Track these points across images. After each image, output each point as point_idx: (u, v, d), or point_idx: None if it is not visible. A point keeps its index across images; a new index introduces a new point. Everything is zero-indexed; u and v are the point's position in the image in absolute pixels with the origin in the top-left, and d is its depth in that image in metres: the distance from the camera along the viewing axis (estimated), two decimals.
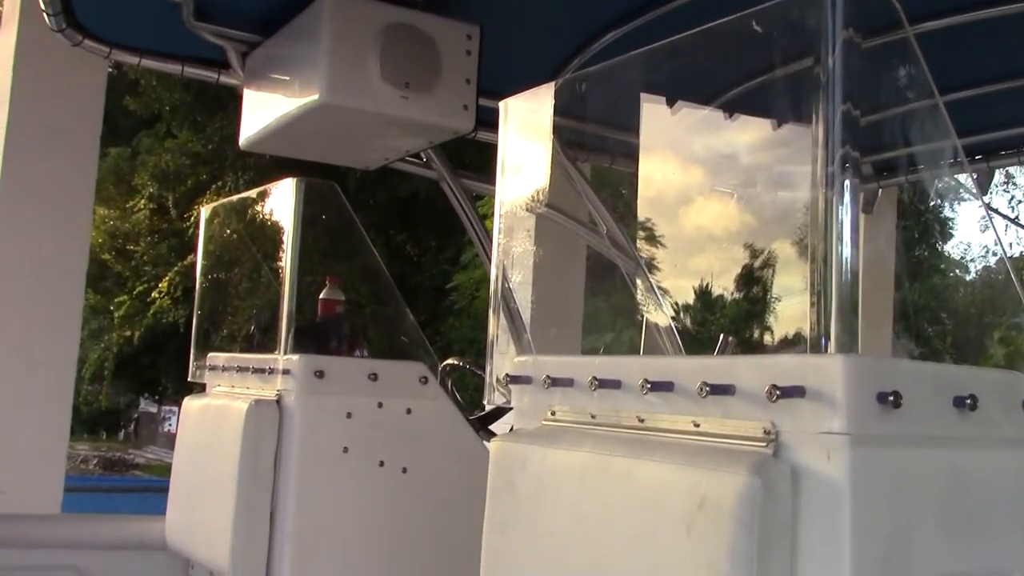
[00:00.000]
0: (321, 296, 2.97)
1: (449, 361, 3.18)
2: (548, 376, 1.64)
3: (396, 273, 14.44)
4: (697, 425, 1.40)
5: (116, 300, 18.18)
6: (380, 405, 2.64)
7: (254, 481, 2.55)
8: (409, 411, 2.67)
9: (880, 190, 4.02)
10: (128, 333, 17.90)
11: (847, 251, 1.29)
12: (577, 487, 1.48)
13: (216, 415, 2.74)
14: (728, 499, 1.24)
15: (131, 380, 19.98)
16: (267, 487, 2.56)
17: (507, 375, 1.74)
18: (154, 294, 16.67)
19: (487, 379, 1.77)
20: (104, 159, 18.96)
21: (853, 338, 1.27)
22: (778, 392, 1.26)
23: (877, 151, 3.77)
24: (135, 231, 18.22)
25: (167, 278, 16.48)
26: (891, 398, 1.22)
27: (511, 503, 1.61)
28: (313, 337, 2.86)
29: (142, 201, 18.02)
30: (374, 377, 2.64)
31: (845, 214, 1.29)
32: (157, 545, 2.94)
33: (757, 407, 1.31)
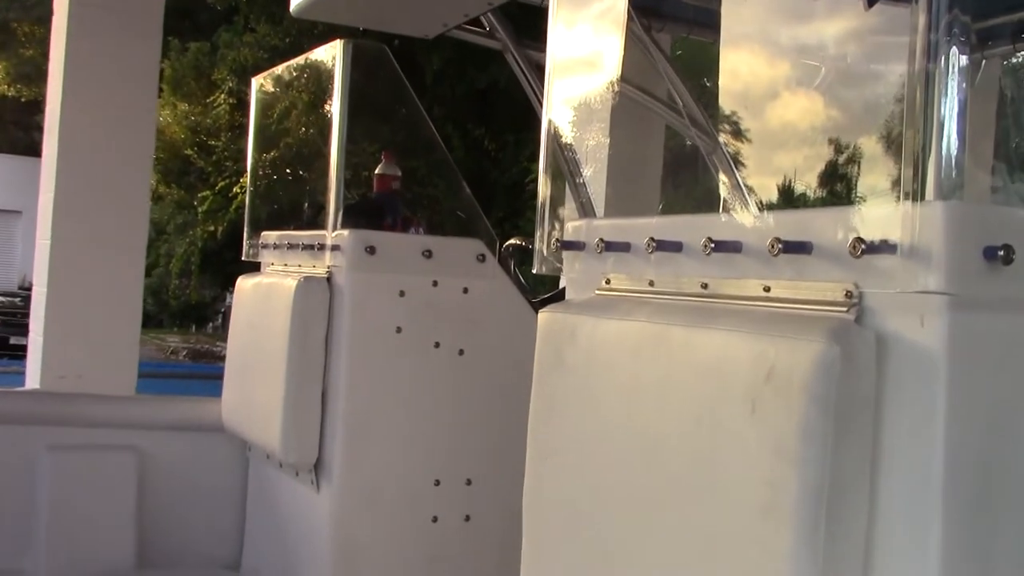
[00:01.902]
0: (376, 171, 2.83)
1: (512, 241, 3.01)
2: (601, 240, 1.47)
3: (473, 169, 14.25)
4: (768, 290, 1.22)
5: (200, 195, 18.40)
6: (435, 284, 2.50)
7: (304, 361, 2.45)
8: (466, 290, 2.53)
9: (984, 60, 3.67)
10: (212, 228, 18.14)
11: (951, 102, 1.07)
12: (630, 361, 1.32)
13: (267, 293, 2.64)
14: (800, 370, 1.06)
15: (217, 274, 20.34)
16: (318, 367, 2.46)
17: (557, 240, 1.57)
18: (235, 189, 16.79)
19: (536, 245, 1.61)
20: (184, 54, 19.00)
21: (956, 186, 1.06)
22: (863, 246, 1.07)
23: (981, 17, 3.42)
24: (216, 126, 18.29)
25: (267, 183, 16.52)
26: (1001, 253, 1.02)
27: (559, 378, 1.46)
28: (367, 213, 2.72)
29: (222, 96, 18.03)
30: (428, 254, 2.49)
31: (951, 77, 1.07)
32: (215, 426, 2.89)
33: (838, 266, 1.12)
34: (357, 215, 2.67)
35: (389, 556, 2.48)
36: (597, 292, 1.51)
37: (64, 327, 5.01)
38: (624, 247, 1.44)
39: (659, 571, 1.23)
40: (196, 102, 19.12)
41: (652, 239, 1.35)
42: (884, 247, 1.06)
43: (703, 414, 1.18)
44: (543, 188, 1.60)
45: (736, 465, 1.13)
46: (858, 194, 1.18)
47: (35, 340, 5.15)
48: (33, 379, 5.04)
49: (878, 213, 1.09)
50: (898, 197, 1.07)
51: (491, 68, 13.52)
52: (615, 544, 1.31)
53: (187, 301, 21.57)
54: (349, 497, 2.45)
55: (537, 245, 1.61)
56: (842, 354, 1.05)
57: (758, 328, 1.15)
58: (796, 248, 1.16)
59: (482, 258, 2.55)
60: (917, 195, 1.05)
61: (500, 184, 15.30)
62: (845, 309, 1.11)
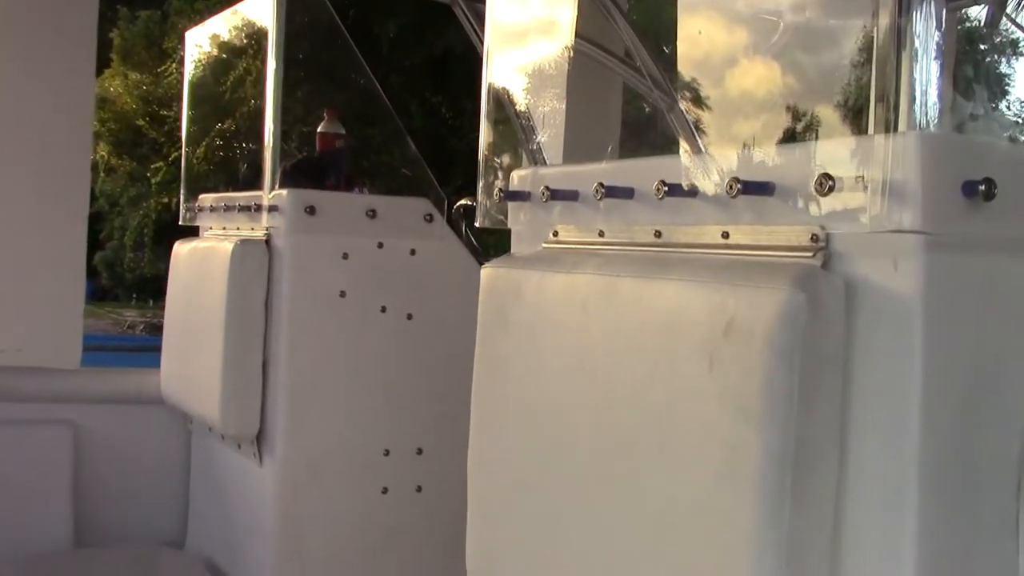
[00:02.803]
0: (319, 130, 2.69)
1: (463, 201, 2.89)
2: (547, 188, 1.36)
3: (432, 136, 14.06)
4: (726, 236, 1.12)
5: (152, 167, 18.04)
6: (380, 245, 2.37)
7: (243, 328, 2.32)
8: (413, 252, 2.41)
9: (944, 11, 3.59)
10: (166, 200, 17.80)
11: (926, 24, 0.97)
12: (578, 317, 1.21)
13: (203, 258, 2.50)
14: (761, 321, 0.96)
15: (171, 247, 19.99)
16: (258, 335, 2.34)
17: (500, 191, 1.46)
18: None
19: (479, 197, 1.49)
20: (135, 23, 18.56)
21: (932, 116, 0.96)
22: (831, 183, 0.96)
23: None
24: (168, 96, 17.90)
25: (203, 143, 16.23)
26: (982, 188, 0.93)
27: (503, 338, 1.35)
28: (309, 174, 2.59)
29: (173, 65, 17.64)
30: (372, 214, 2.37)
31: None
32: (154, 399, 2.75)
33: (802, 208, 1.02)
34: (299, 175, 2.53)
35: (337, 530, 2.37)
36: (544, 246, 1.40)
37: (1, 300, 4.82)
38: (572, 195, 1.33)
39: (609, 541, 1.13)
40: (147, 72, 18.70)
41: (601, 185, 1.24)
42: (853, 184, 0.96)
43: (656, 372, 1.08)
44: (484, 136, 1.49)
45: (693, 427, 1.03)
46: (825, 129, 1.08)
47: None
48: None
49: (847, 148, 0.99)
50: (869, 129, 0.97)
51: (447, 35, 13.29)
52: (563, 513, 1.21)
53: (142, 274, 21.20)
54: (293, 469, 2.34)
55: (480, 197, 1.49)
56: (807, 302, 0.95)
57: (715, 277, 1.05)
58: (756, 189, 1.05)
59: (430, 218, 2.43)
60: (890, 126, 0.95)
61: (459, 152, 15.09)
62: (811, 254, 1.01)
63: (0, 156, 4.83)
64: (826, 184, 0.96)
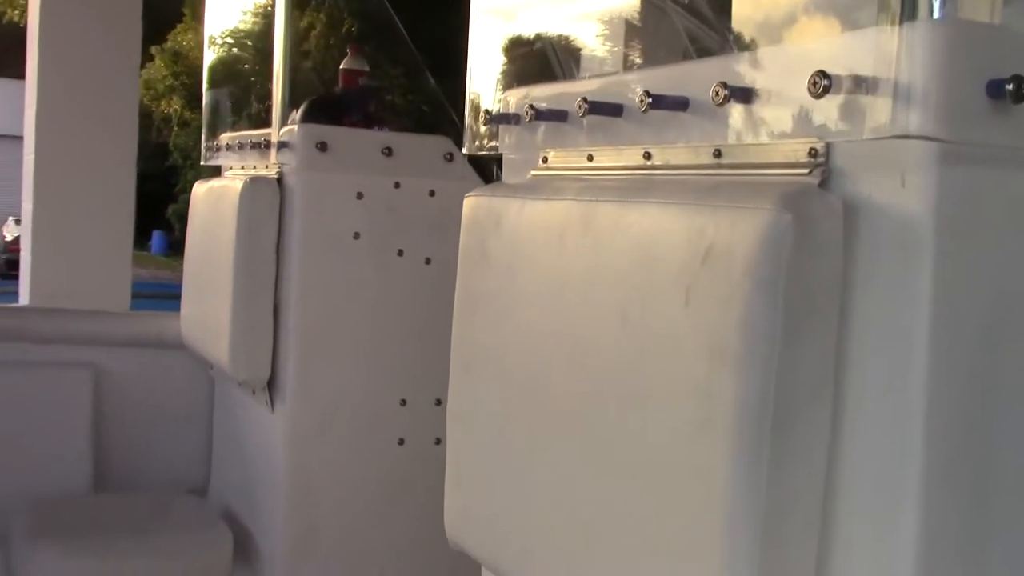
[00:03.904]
0: (341, 66, 2.57)
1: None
2: (531, 107, 1.22)
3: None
4: (719, 155, 0.97)
5: None
6: (397, 185, 2.25)
7: (253, 269, 2.22)
8: (432, 193, 2.28)
9: None
10: None
11: None
12: (555, 248, 1.07)
13: (217, 197, 2.41)
14: (742, 248, 0.82)
15: None
16: (268, 277, 2.24)
17: (486, 112, 1.32)
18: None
19: (466, 121, 1.36)
20: None
21: (951, 2, 0.80)
22: (826, 82, 0.81)
23: None
24: None
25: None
26: (1010, 88, 0.77)
27: (482, 274, 1.22)
28: (329, 111, 2.47)
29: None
30: (388, 152, 2.24)
31: None
32: (175, 343, 2.69)
33: (800, 117, 0.87)
34: (317, 113, 2.42)
35: (350, 481, 2.28)
36: (532, 173, 1.26)
37: (51, 245, 4.84)
38: (560, 116, 1.19)
39: (584, 493, 1.01)
40: None
41: (584, 100, 1.10)
42: (856, 83, 0.80)
43: (630, 307, 0.94)
44: (473, 52, 1.35)
45: (667, 370, 0.89)
46: (825, 23, 0.92)
47: (24, 259, 4.99)
48: (24, 299, 4.90)
49: (850, 42, 0.83)
50: (874, 19, 0.81)
51: None
52: (538, 464, 1.09)
53: None
54: (304, 418, 2.25)
55: (467, 120, 1.36)
56: (795, 225, 0.80)
57: (698, 199, 0.90)
58: (746, 96, 0.90)
59: (450, 157, 2.30)
60: (901, 13, 0.79)
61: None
62: (807, 171, 0.86)
63: (49, 107, 4.86)
64: (820, 84, 0.81)
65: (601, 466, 0.98)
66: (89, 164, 4.88)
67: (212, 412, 2.81)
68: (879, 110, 0.78)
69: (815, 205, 0.82)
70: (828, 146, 0.85)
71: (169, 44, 19.07)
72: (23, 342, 2.68)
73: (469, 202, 1.26)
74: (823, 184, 0.85)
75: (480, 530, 1.22)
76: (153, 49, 18.29)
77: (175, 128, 20.04)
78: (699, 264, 0.86)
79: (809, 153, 0.86)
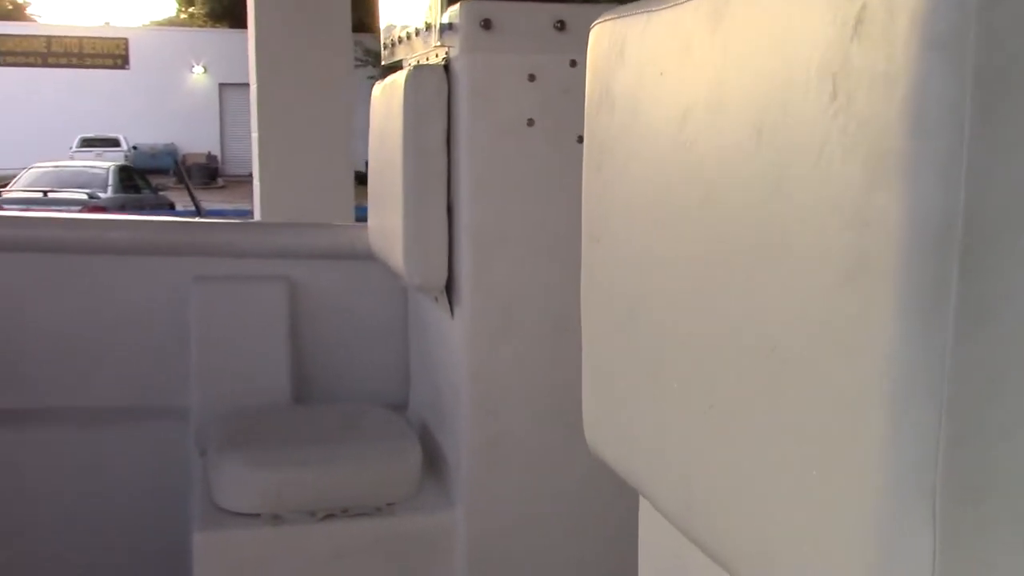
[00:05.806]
0: None
1: None
2: None
3: None
4: None
5: None
6: (573, 63, 2.02)
7: (422, 167, 2.08)
8: None
9: None
10: None
11: None
12: (681, 61, 0.83)
13: (388, 97, 2.27)
14: (907, 2, 0.55)
15: None
16: (439, 174, 2.08)
17: None
18: None
19: None
20: None
21: None
22: None
23: None
24: None
25: None
26: None
27: (608, 120, 1.01)
28: None
29: None
30: (561, 26, 2.02)
31: None
32: (367, 254, 2.61)
33: None
34: None
35: (532, 389, 2.12)
36: None
37: (276, 171, 4.98)
38: None
39: (716, 375, 0.77)
40: None
41: None
42: None
43: (766, 117, 0.69)
44: None
45: (809, 196, 0.64)
46: None
47: (255, 184, 5.17)
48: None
49: None
50: None
51: None
52: (669, 347, 0.86)
53: None
54: (483, 322, 2.10)
55: None
56: None
57: None
58: None
59: None
60: None
61: None
62: None
63: (266, 36, 4.98)
64: None
65: (737, 340, 0.74)
66: (308, 93, 4.97)
67: (407, 323, 2.73)
68: None
69: None
70: None
71: None
72: (217, 256, 2.69)
73: (595, 33, 1.03)
74: None
75: (614, 433, 1.01)
76: None
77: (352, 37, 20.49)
78: (848, 38, 0.60)
79: None
